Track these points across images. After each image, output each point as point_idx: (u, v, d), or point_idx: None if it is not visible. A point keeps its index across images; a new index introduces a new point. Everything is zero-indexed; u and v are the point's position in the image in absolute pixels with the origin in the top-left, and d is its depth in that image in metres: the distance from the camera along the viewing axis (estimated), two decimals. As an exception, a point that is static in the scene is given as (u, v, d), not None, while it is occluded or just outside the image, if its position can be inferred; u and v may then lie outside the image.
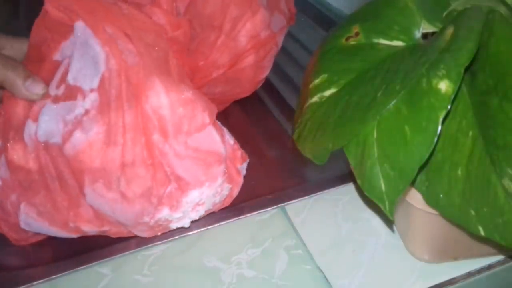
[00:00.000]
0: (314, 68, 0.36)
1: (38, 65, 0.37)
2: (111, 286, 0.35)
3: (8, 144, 0.35)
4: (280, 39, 0.49)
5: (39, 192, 0.35)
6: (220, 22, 0.44)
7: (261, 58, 0.48)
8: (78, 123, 0.34)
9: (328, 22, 0.68)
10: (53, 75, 0.36)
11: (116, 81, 0.34)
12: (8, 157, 0.35)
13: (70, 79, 0.34)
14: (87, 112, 0.34)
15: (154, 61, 0.35)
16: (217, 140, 0.37)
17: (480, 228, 0.27)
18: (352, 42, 0.34)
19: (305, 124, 0.36)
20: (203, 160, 0.36)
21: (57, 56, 0.36)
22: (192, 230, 0.39)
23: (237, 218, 0.40)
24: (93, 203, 0.35)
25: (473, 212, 0.27)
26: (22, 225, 0.36)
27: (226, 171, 0.38)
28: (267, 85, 0.54)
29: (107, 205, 0.35)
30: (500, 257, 0.36)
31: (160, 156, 0.35)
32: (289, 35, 0.57)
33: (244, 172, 0.40)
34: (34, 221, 0.36)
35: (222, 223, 0.39)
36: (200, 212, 0.38)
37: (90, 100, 0.34)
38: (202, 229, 0.39)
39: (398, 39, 0.32)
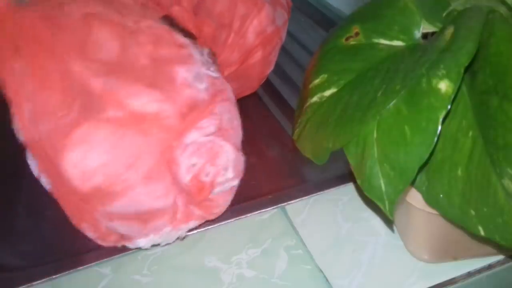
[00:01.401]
0: (314, 68, 0.36)
1: None
2: (111, 286, 0.35)
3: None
4: (283, 33, 0.50)
5: None
6: (230, 20, 0.45)
7: (268, 53, 0.49)
8: None
9: (328, 22, 0.68)
10: None
11: None
12: None
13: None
14: None
15: None
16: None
17: (480, 228, 0.27)
18: (352, 42, 0.34)
19: (305, 124, 0.36)
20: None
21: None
22: (192, 230, 0.39)
23: (237, 218, 0.40)
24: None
25: (473, 212, 0.27)
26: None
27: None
28: (267, 85, 0.54)
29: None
30: (500, 257, 0.36)
31: None
32: (289, 35, 0.57)
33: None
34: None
35: (222, 223, 0.39)
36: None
37: None
38: (202, 229, 0.39)
39: (398, 39, 0.32)
